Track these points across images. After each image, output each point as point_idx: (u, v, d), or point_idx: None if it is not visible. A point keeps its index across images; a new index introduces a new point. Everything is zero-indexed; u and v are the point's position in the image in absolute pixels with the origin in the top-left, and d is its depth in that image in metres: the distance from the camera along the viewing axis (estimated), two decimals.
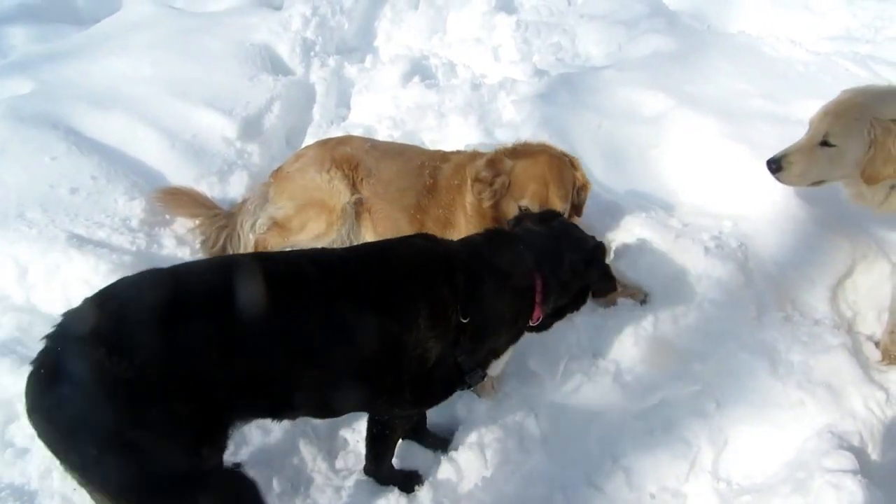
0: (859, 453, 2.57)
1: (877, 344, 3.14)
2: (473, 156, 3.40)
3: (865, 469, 2.51)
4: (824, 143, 2.95)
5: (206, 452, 1.88)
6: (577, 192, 3.16)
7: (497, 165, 3.07)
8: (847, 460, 2.48)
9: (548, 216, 2.68)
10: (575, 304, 2.59)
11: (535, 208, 2.94)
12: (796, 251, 3.41)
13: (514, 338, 2.49)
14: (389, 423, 2.43)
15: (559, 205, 2.95)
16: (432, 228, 3.33)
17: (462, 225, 3.23)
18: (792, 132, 4.09)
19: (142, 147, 4.13)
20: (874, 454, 2.65)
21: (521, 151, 3.15)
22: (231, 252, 3.67)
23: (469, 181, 3.19)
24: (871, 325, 3.25)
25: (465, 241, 2.46)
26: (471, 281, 2.23)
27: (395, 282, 2.17)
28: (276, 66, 5.29)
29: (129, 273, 3.13)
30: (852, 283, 3.36)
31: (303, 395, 2.07)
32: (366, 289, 2.12)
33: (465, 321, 2.18)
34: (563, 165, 3.09)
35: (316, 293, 2.05)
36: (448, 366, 2.23)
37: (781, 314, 3.13)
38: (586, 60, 5.88)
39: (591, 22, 6.14)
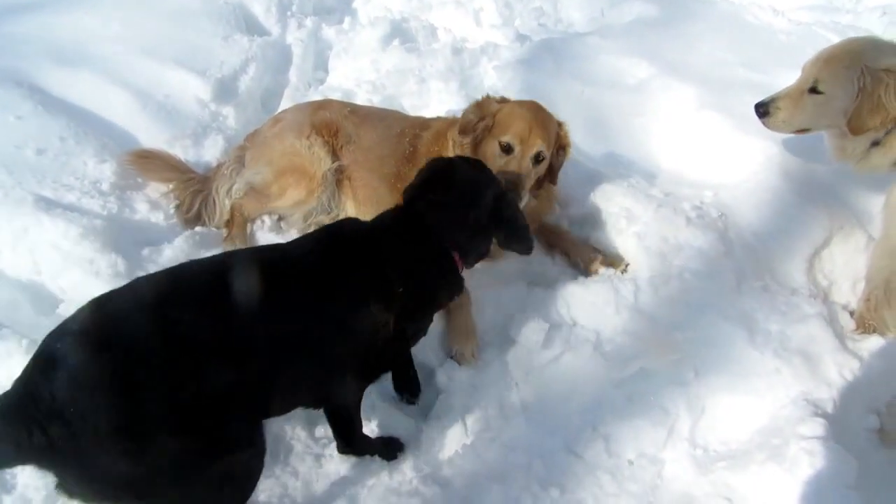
0: (833, 420, 2.61)
1: (852, 313, 3.18)
2: (454, 122, 3.35)
3: (839, 436, 2.55)
4: (813, 90, 2.94)
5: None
6: (557, 151, 3.15)
7: (484, 108, 3.07)
8: (821, 427, 2.52)
9: (444, 173, 2.66)
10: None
11: (515, 145, 2.96)
12: (775, 221, 3.42)
13: (453, 288, 2.62)
14: (343, 406, 2.46)
15: (539, 144, 2.96)
16: None
17: None
18: None
19: (112, 107, 4.00)
20: (848, 421, 2.69)
21: (509, 100, 3.16)
22: (206, 217, 3.60)
23: (450, 143, 3.15)
24: (847, 294, 3.28)
25: (383, 223, 2.52)
26: (399, 259, 2.38)
27: (343, 281, 2.24)
28: (251, 26, 5.14)
29: (100, 237, 3.08)
30: (829, 253, 3.38)
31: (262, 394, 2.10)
32: (319, 291, 2.17)
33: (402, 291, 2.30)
34: (549, 116, 3.10)
35: (271, 300, 2.05)
36: (396, 334, 2.35)
37: (760, 284, 3.15)
38: (568, 26, 5.81)
39: None
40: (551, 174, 3.20)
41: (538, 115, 3.04)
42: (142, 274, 3.04)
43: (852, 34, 4.90)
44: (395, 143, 3.42)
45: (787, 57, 4.76)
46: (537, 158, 3.00)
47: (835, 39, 4.91)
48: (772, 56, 4.69)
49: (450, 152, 3.16)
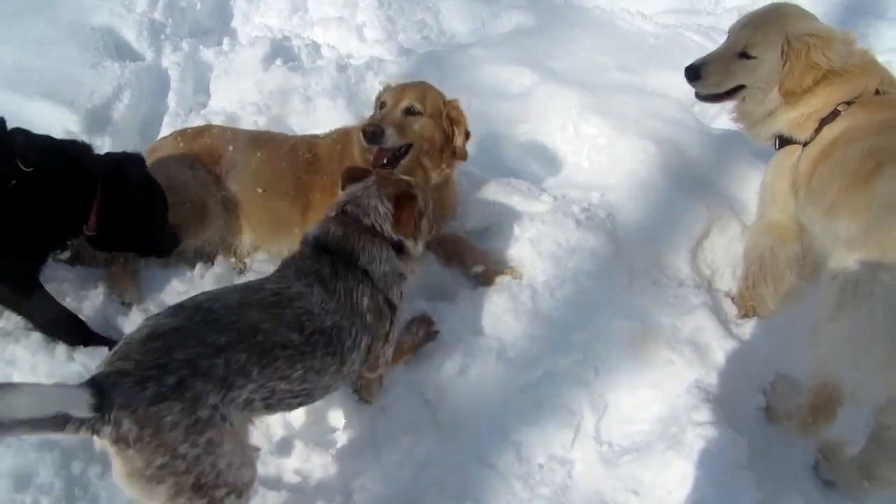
0: (724, 403, 2.76)
1: (733, 299, 3.37)
2: (348, 132, 3.37)
3: (730, 417, 2.70)
4: (743, 55, 2.97)
5: None
6: (451, 124, 3.22)
7: (383, 92, 3.24)
8: (713, 412, 2.65)
9: None
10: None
11: (388, 101, 3.17)
12: (659, 217, 3.57)
13: None
14: None
15: (409, 99, 3.13)
16: (320, 199, 3.24)
17: None
18: (650, 102, 4.31)
19: None
20: (737, 403, 2.84)
21: None
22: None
23: (355, 143, 3.24)
24: (728, 281, 3.47)
25: None
26: None
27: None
28: (123, 52, 4.89)
29: None
30: (710, 243, 3.57)
31: None
32: None
33: None
34: (430, 87, 3.27)
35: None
36: None
37: (650, 279, 3.29)
38: (451, 38, 5.88)
39: None
40: (455, 148, 3.24)
41: (416, 83, 3.29)
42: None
43: (714, 35, 5.26)
44: (287, 159, 3.39)
45: (658, 58, 5.04)
46: (408, 111, 3.13)
47: (700, 41, 5.25)
48: (644, 59, 4.93)
49: (356, 153, 3.22)
